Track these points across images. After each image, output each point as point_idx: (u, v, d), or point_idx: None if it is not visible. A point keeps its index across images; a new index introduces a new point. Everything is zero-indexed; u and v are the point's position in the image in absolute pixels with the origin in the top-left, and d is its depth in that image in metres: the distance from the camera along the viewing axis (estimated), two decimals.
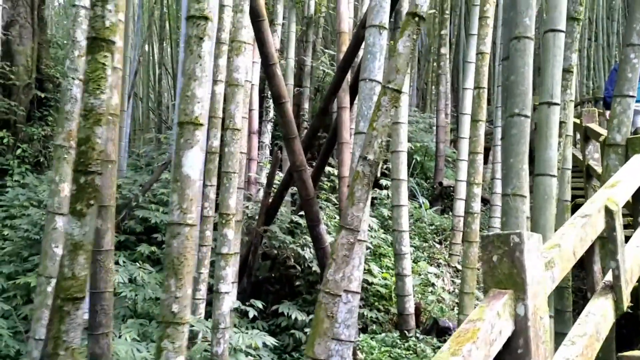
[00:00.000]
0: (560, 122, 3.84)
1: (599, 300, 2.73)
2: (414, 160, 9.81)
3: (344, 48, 5.79)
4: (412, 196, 9.02)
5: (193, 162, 1.99)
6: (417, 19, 2.57)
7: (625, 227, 4.93)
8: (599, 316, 2.59)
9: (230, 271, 4.22)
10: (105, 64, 1.88)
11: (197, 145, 1.99)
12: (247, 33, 5.40)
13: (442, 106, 10.16)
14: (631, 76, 3.74)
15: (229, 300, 4.17)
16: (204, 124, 2.01)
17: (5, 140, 9.32)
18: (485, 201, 9.09)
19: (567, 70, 3.73)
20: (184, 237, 1.96)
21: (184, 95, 1.98)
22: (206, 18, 2.00)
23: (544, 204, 2.92)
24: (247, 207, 6.69)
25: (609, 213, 2.76)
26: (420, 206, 8.60)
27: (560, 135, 3.82)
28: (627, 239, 3.48)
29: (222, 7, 5.63)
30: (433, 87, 14.12)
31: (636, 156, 3.50)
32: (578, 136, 7.57)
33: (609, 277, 2.85)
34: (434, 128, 10.55)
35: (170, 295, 1.93)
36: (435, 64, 13.05)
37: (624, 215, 5.05)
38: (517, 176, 2.62)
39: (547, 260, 2.25)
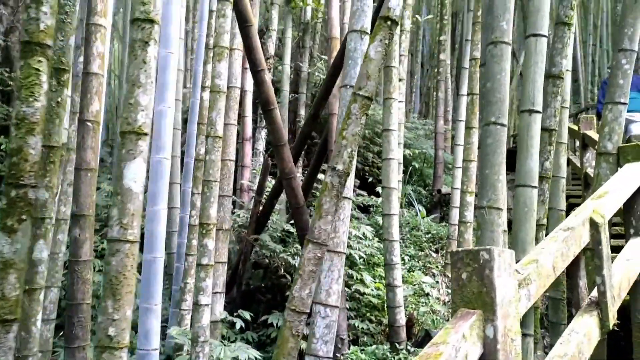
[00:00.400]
0: (552, 130, 3.70)
1: (583, 317, 2.59)
2: (411, 167, 9.67)
3: (335, 54, 5.68)
4: (410, 204, 8.89)
5: (135, 175, 1.86)
6: (389, 22, 2.45)
7: (618, 236, 4.78)
8: (582, 335, 2.46)
9: (211, 282, 4.12)
10: (39, 69, 1.77)
11: (140, 157, 1.86)
12: (234, 38, 5.32)
13: (441, 112, 10.01)
14: (622, 82, 3.58)
15: (209, 313, 4.06)
16: (147, 134, 1.90)
17: (3, 147, 9.28)
18: None
19: (557, 77, 3.59)
20: (123, 254, 1.83)
21: (126, 103, 1.87)
22: (152, 21, 1.89)
23: (524, 216, 2.78)
24: (237, 215, 6.59)
25: (594, 226, 2.62)
26: (417, 214, 8.46)
27: (550, 144, 3.69)
28: (619, 248, 3.33)
29: (211, 12, 5.56)
30: (434, 93, 13.99)
31: (627, 165, 3.36)
32: (578, 143, 7.42)
33: (595, 293, 2.72)
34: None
35: (107, 317, 1.80)
36: (435, 69, 12.93)
37: (617, 225, 4.91)
38: (492, 188, 2.48)
39: (522, 277, 2.13)
